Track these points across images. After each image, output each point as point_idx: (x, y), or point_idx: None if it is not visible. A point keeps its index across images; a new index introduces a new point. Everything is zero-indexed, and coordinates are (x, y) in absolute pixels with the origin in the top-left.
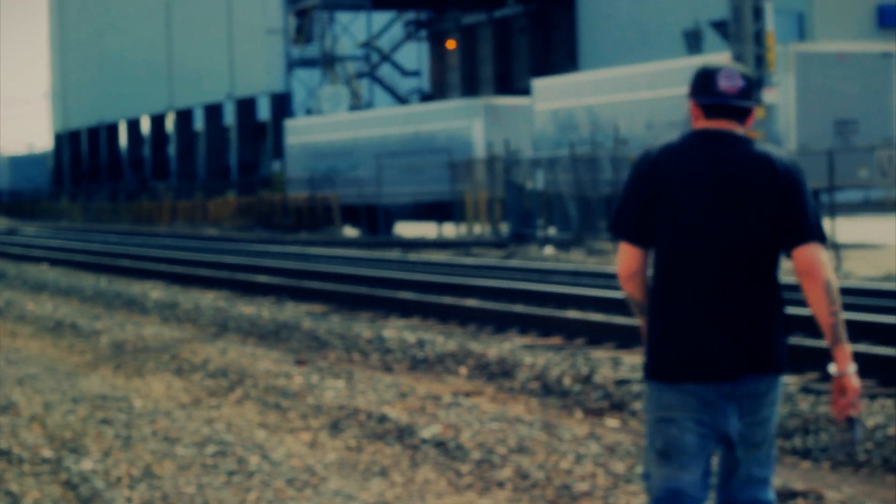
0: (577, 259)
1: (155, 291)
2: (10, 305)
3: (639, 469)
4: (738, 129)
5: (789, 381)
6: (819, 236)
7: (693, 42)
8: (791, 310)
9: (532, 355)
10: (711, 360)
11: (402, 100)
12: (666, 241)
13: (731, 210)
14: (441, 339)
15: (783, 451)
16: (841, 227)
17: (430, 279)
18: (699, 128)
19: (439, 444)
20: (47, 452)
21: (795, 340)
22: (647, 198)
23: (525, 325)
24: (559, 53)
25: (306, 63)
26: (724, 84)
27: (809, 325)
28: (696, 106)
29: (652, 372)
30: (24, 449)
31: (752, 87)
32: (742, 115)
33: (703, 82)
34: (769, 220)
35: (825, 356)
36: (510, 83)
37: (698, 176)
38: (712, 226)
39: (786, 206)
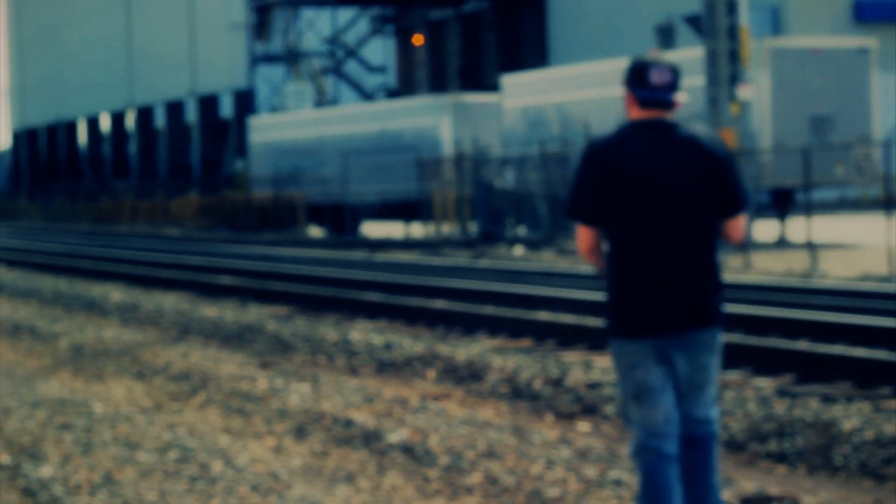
0: (547, 259)
1: (116, 293)
2: None
3: (612, 474)
4: (669, 117)
5: (765, 385)
6: (745, 203)
7: (665, 37)
8: (768, 311)
9: (502, 358)
10: (664, 319)
11: (368, 96)
12: (621, 220)
13: (678, 190)
14: (409, 342)
15: (759, 456)
16: (817, 226)
17: (398, 280)
18: (637, 119)
19: (407, 450)
20: (5, 458)
21: (771, 343)
22: (599, 186)
23: (495, 327)
24: (528, 49)
25: (270, 59)
26: (656, 78)
27: (785, 327)
28: (632, 96)
29: (618, 330)
30: None
31: (679, 78)
32: (672, 105)
33: (637, 75)
34: (710, 195)
35: (802, 359)
36: (478, 79)
37: (647, 163)
38: (663, 205)
39: (723, 182)
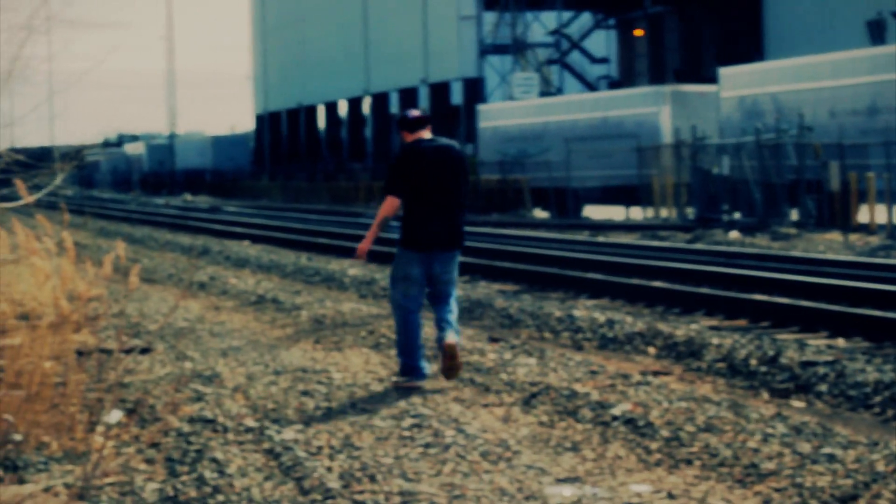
0: (761, 243)
1: (353, 269)
2: (214, 280)
3: (826, 449)
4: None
5: None
6: (469, 190)
7: (876, 32)
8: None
9: (719, 336)
10: (431, 244)
11: (590, 86)
12: (416, 190)
13: (449, 174)
14: (630, 320)
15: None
16: None
17: (619, 261)
18: (416, 138)
19: (629, 422)
20: (250, 422)
21: None
22: (406, 174)
23: (711, 306)
24: (744, 43)
25: (498, 49)
26: (411, 115)
27: None
28: (404, 131)
29: (408, 246)
30: (228, 418)
31: (428, 117)
32: (426, 126)
33: (403, 120)
34: (461, 178)
35: None
36: (696, 71)
37: (431, 160)
38: (442, 182)
39: (463, 173)
